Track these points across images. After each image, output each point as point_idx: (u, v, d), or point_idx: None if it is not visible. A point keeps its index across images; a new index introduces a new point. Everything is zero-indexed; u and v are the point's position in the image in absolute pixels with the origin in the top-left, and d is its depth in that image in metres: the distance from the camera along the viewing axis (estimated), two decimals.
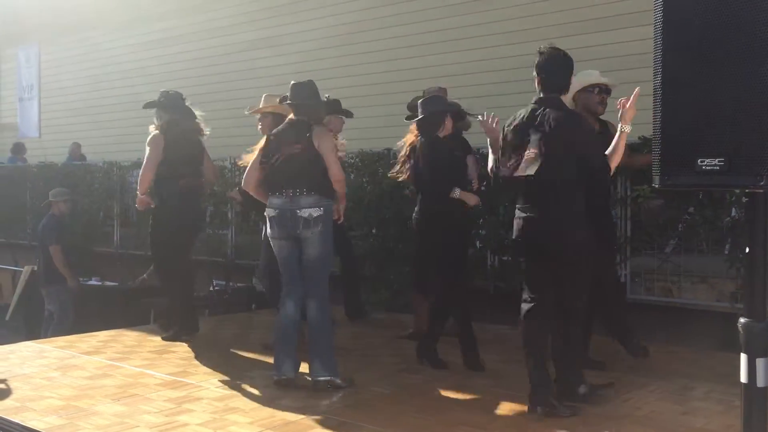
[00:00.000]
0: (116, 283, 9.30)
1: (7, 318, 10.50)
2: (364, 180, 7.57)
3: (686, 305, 5.76)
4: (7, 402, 4.13)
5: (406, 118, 5.31)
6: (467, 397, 4.23)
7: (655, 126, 2.74)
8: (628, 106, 3.77)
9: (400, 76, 9.53)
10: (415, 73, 9.08)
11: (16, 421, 3.77)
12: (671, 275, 5.90)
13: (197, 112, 5.91)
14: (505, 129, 3.99)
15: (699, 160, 2.61)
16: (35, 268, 10.14)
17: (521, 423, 3.76)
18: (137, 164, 10.41)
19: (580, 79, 4.75)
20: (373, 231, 7.50)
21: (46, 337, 7.24)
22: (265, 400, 4.15)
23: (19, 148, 14.56)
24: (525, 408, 3.88)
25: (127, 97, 12.53)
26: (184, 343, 5.61)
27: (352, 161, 7.69)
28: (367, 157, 7.62)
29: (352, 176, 7.70)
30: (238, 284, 8.15)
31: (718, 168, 2.58)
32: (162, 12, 13.69)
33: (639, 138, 5.84)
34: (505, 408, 4.00)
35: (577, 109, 4.74)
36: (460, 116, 5.11)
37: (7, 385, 4.48)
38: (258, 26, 11.98)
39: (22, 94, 17.27)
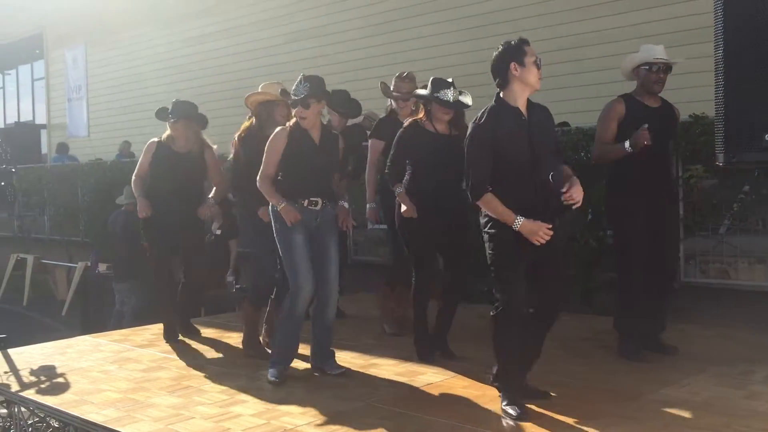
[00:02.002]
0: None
1: (63, 314, 10.79)
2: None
3: (743, 287, 5.61)
4: (67, 395, 4.23)
5: None
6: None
7: (717, 102, 2.65)
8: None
9: (443, 62, 9.45)
10: (455, 59, 9.01)
11: (76, 414, 3.85)
12: (727, 256, 5.74)
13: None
14: None
15: (767, 136, 2.50)
16: (89, 264, 10.39)
17: (570, 409, 3.70)
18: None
19: (642, 54, 4.64)
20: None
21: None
22: (317, 390, 4.17)
23: (62, 148, 14.93)
24: (574, 395, 3.83)
25: (172, 94, 12.68)
26: (236, 334, 5.66)
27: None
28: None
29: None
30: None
31: None
32: (206, 8, 13.82)
33: (690, 116, 5.70)
34: (553, 397, 3.94)
35: (636, 87, 4.69)
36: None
37: (65, 378, 4.59)
38: (302, 17, 12.00)
39: (70, 95, 17.67)
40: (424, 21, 10.29)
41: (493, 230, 3.64)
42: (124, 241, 8.42)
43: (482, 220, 3.73)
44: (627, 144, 4.43)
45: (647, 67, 4.58)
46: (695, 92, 5.75)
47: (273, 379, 4.33)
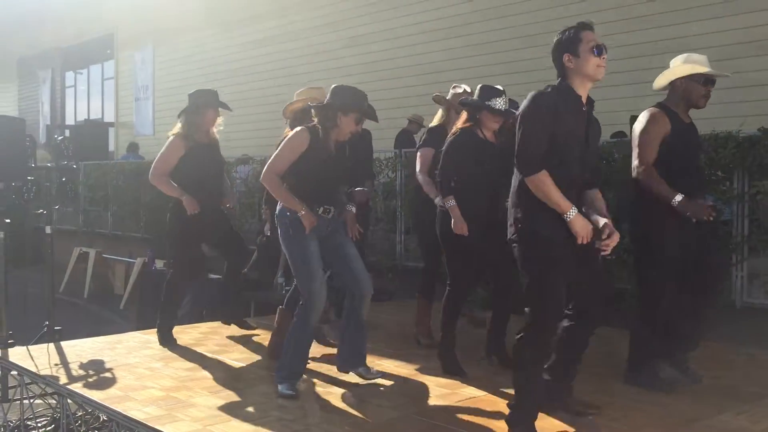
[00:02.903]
0: (219, 276, 9.52)
1: (121, 307, 11.04)
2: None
3: None
4: (112, 391, 4.27)
5: None
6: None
7: None
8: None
9: (502, 69, 9.33)
10: (516, 66, 8.87)
11: (119, 410, 3.89)
12: None
13: None
14: None
15: None
16: (146, 260, 10.60)
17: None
18: (242, 160, 10.74)
19: (687, 65, 4.24)
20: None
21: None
22: (358, 398, 4.11)
23: (133, 147, 15.33)
24: (623, 418, 3.68)
25: (235, 95, 12.88)
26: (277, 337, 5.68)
27: None
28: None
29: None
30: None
31: None
32: (267, 11, 14.00)
33: (759, 129, 5.46)
34: (604, 417, 3.79)
35: (674, 96, 4.26)
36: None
37: (113, 374, 4.65)
38: (370, 20, 12.02)
39: (138, 94, 18.14)
40: (486, 27, 10.18)
41: (538, 230, 3.29)
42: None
43: (517, 216, 3.38)
44: (677, 200, 4.01)
45: (696, 80, 4.18)
46: (761, 105, 5.51)
47: (290, 392, 4.10)
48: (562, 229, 3.27)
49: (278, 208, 4.28)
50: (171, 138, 5.40)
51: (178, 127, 5.41)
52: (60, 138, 6.30)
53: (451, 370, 4.58)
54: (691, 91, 4.22)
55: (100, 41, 19.50)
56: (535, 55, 9.01)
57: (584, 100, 3.43)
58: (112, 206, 12.90)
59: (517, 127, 3.38)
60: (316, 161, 4.16)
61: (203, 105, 5.38)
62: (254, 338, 5.69)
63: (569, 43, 3.38)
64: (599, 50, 3.34)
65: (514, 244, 3.42)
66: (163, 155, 5.39)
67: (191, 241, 5.45)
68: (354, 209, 4.59)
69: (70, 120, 21.75)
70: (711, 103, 4.37)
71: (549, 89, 3.39)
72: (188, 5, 15.80)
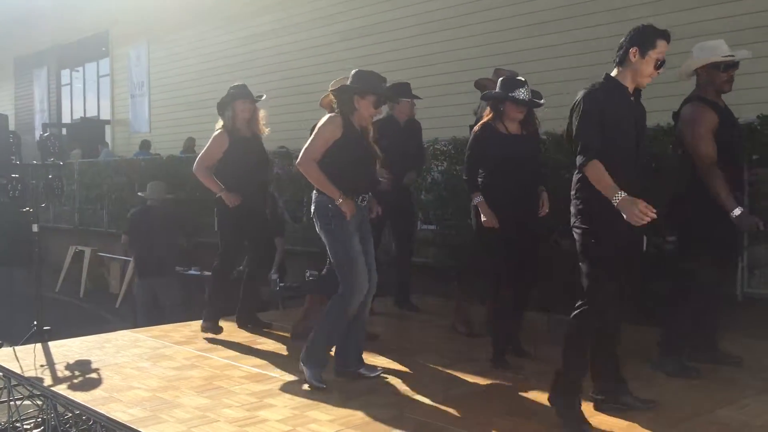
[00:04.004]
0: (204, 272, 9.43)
1: (116, 306, 10.94)
2: (458, 167, 7.31)
3: None
4: (97, 392, 4.17)
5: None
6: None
7: None
8: None
9: (498, 61, 9.18)
10: (513, 57, 8.73)
11: (102, 412, 3.79)
12: None
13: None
14: None
15: None
16: None
17: (620, 429, 3.44)
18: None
19: (706, 52, 4.28)
20: (469, 221, 7.25)
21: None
22: (347, 396, 4.00)
23: (145, 145, 15.21)
24: (624, 413, 3.58)
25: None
26: (276, 333, 5.60)
27: (445, 149, 7.47)
28: (460, 144, 7.35)
29: (445, 164, 7.49)
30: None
31: None
32: (263, 6, 13.85)
33: (758, 116, 5.34)
34: (604, 413, 3.68)
35: (703, 85, 4.33)
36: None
37: (99, 374, 4.55)
38: (358, 14, 11.89)
39: (133, 91, 18.00)
40: (485, 18, 10.03)
41: (598, 221, 3.40)
42: (168, 236, 8.43)
43: (579, 207, 3.49)
44: (737, 213, 4.03)
45: (717, 67, 4.24)
46: (763, 93, 5.38)
47: (319, 384, 4.11)
48: (620, 217, 3.31)
49: (315, 200, 4.22)
50: (216, 132, 5.58)
51: (220, 123, 5.61)
52: (46, 135, 6.16)
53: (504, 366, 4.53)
54: (713, 78, 4.28)
55: (95, 39, 19.36)
56: (536, 44, 8.93)
57: (631, 90, 3.55)
58: (107, 204, 12.80)
59: (572, 125, 3.52)
60: (351, 149, 4.14)
61: (230, 99, 5.56)
62: (243, 336, 5.59)
63: (643, 41, 3.47)
64: (661, 64, 3.49)
65: (576, 231, 3.51)
66: (208, 148, 5.59)
67: (236, 232, 5.63)
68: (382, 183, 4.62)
69: (66, 118, 21.64)
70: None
71: (595, 87, 3.52)
72: (182, 1, 15.66)
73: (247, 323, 5.82)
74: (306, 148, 4.17)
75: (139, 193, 8.90)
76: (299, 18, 13.12)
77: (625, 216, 3.25)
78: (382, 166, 4.70)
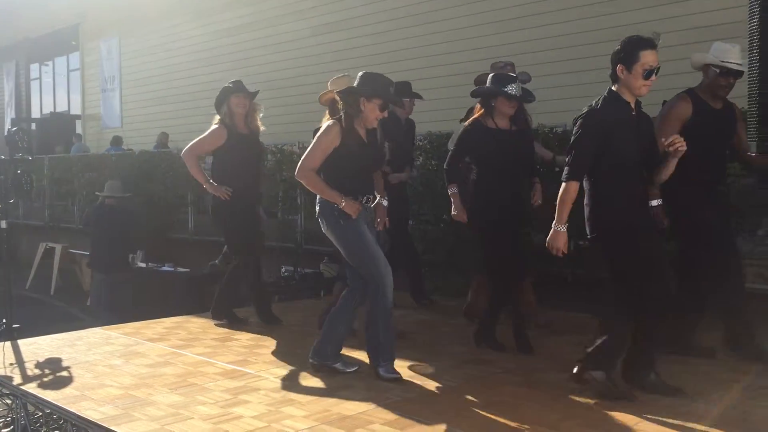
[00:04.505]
0: (188, 270, 9.37)
1: (88, 303, 10.78)
2: (434, 162, 7.31)
3: None
4: (67, 390, 4.11)
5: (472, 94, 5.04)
6: (538, 392, 3.94)
7: (752, 81, 2.36)
8: None
9: (469, 56, 9.20)
10: (484, 53, 8.74)
11: (73, 410, 3.73)
12: (764, 259, 5.42)
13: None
14: None
15: None
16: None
17: (595, 421, 3.46)
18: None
19: (714, 54, 4.32)
20: (445, 216, 7.26)
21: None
22: (323, 393, 3.98)
23: (117, 140, 15.01)
24: (600, 405, 3.61)
25: (204, 86, 12.64)
26: (250, 329, 5.57)
27: (421, 144, 7.46)
28: (436, 139, 7.36)
29: (421, 159, 7.48)
30: (307, 270, 8.05)
31: None
32: None
33: None
34: (580, 406, 3.70)
35: (702, 83, 4.41)
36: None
37: (70, 372, 4.49)
38: (331, 9, 11.84)
39: (104, 86, 17.76)
40: (456, 13, 10.03)
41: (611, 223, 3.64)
42: (120, 233, 8.51)
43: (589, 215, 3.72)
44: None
45: (717, 70, 4.29)
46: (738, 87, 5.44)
47: (394, 376, 4.13)
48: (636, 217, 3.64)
49: (319, 201, 4.24)
50: (215, 126, 5.62)
51: (217, 119, 5.66)
52: (14, 129, 6.05)
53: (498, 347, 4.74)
54: (712, 79, 4.34)
55: (65, 32, 19.07)
56: (504, 41, 8.95)
57: (633, 104, 3.68)
58: (78, 200, 12.63)
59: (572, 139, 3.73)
60: (352, 153, 4.13)
61: (225, 96, 5.60)
62: (217, 332, 5.54)
63: (626, 57, 3.59)
64: (649, 74, 3.57)
65: (595, 242, 3.75)
66: (203, 139, 5.65)
67: (239, 226, 5.62)
68: (385, 202, 4.50)
69: (36, 113, 21.31)
70: (682, 85, 4.47)
71: (599, 104, 3.67)
72: None
73: (222, 317, 5.79)
74: (304, 158, 4.20)
75: (97, 192, 8.89)
76: (272, 12, 13.04)
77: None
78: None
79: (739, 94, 4.51)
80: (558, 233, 3.65)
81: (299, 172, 4.19)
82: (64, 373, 4.47)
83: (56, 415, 3.97)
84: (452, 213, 4.77)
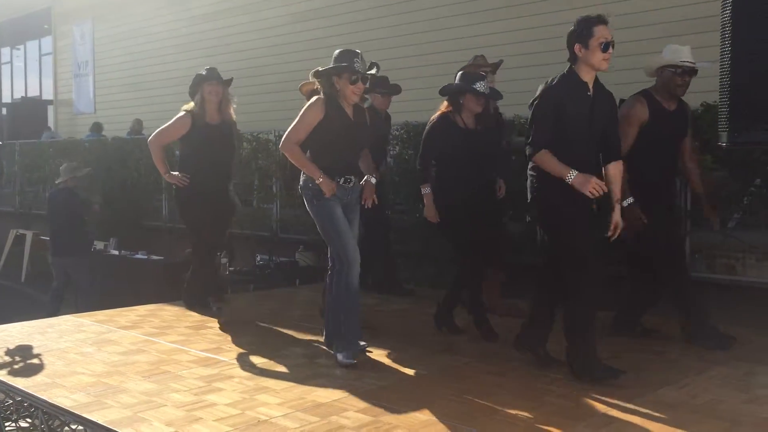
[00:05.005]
0: (162, 258, 9.30)
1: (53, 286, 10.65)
2: (410, 152, 7.31)
3: (751, 283, 5.39)
4: (38, 378, 4.06)
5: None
6: (511, 382, 3.98)
7: (723, 72, 2.38)
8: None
9: (450, 46, 9.20)
10: (461, 43, 8.75)
11: (43, 398, 3.69)
12: (735, 251, 5.51)
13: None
14: None
15: None
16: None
17: (567, 409, 3.50)
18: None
19: (668, 55, 4.47)
20: (421, 206, 7.27)
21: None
22: (297, 380, 3.98)
23: (97, 127, 14.78)
24: (571, 394, 3.65)
25: (179, 72, 12.49)
26: (224, 318, 5.54)
27: (397, 133, 7.47)
28: (412, 129, 7.36)
29: (397, 149, 7.48)
30: (282, 259, 8.03)
31: None
32: None
33: (702, 105, 5.46)
34: (552, 394, 3.74)
35: (657, 83, 4.53)
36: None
37: (41, 360, 4.43)
38: None
39: (77, 71, 17.50)
40: (438, 2, 10.01)
41: (559, 209, 3.79)
42: (66, 217, 8.53)
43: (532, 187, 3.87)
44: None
45: (673, 70, 4.42)
46: (709, 82, 5.49)
47: (351, 361, 4.15)
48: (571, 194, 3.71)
49: (302, 180, 4.30)
50: (181, 113, 5.51)
51: (191, 105, 5.54)
52: None
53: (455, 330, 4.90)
54: (668, 80, 4.47)
55: (37, 16, 18.74)
56: (486, 31, 8.96)
57: (590, 85, 3.79)
58: (50, 186, 12.44)
59: (529, 116, 3.88)
60: (334, 130, 4.17)
61: (197, 83, 5.50)
62: (191, 320, 5.52)
63: (581, 35, 3.73)
64: (606, 47, 3.69)
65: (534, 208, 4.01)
66: (167, 127, 5.56)
67: (199, 215, 5.52)
68: (374, 180, 4.55)
69: (6, 98, 20.95)
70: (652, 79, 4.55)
71: (554, 81, 3.79)
72: None
73: (195, 307, 5.77)
74: (289, 131, 4.25)
75: (56, 181, 8.86)
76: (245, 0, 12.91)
77: (581, 190, 3.62)
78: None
79: (711, 88, 4.60)
80: (578, 179, 3.66)
81: (283, 144, 4.26)
82: (35, 361, 4.42)
83: (27, 403, 3.92)
84: (425, 213, 4.84)
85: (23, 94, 20.27)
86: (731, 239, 5.52)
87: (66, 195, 8.64)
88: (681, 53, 4.46)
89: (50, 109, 18.69)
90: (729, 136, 2.31)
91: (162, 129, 5.58)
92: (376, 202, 4.55)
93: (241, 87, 11.28)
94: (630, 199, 4.33)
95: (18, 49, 21.01)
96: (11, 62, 21.20)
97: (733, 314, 5.24)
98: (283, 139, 4.27)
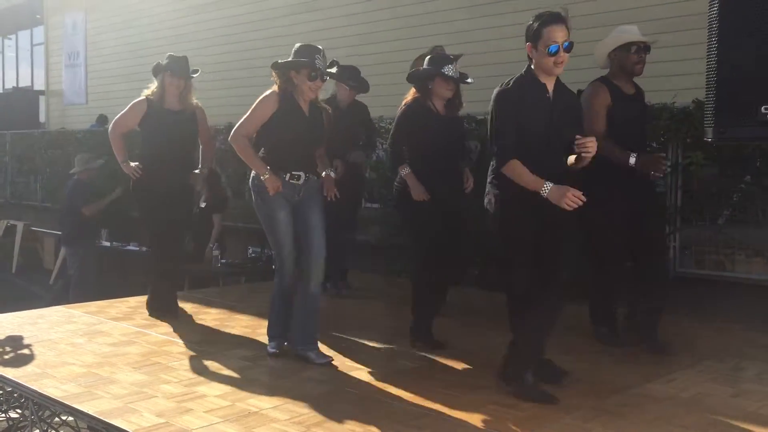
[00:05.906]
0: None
1: (50, 282, 10.64)
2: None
3: (739, 280, 5.42)
4: (29, 368, 4.07)
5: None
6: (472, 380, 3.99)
7: (709, 68, 2.39)
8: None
9: (441, 40, 9.17)
10: (455, 37, 8.75)
11: (34, 388, 3.70)
12: (724, 248, 5.55)
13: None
14: None
15: (763, 108, 2.21)
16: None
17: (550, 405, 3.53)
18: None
19: (615, 36, 4.41)
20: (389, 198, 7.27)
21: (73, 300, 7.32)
22: (287, 372, 4.00)
23: (102, 119, 14.70)
24: (554, 388, 3.68)
25: None
26: (215, 310, 5.54)
27: (389, 126, 7.44)
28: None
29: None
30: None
31: None
32: None
33: (693, 101, 5.48)
34: (540, 386, 3.76)
35: (612, 69, 4.45)
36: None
37: (31, 350, 4.43)
38: None
39: (68, 61, 17.40)
40: None
41: (507, 207, 3.52)
42: (67, 208, 8.59)
43: (491, 195, 3.59)
44: (633, 160, 4.17)
45: (627, 49, 4.33)
46: (699, 78, 5.53)
47: (273, 351, 4.32)
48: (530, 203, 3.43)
49: (251, 175, 4.23)
50: (139, 98, 5.30)
51: (153, 87, 5.29)
52: None
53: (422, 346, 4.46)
54: (624, 61, 4.38)
55: (28, 5, 18.60)
56: (476, 26, 8.95)
57: (551, 84, 3.50)
58: (42, 177, 12.41)
59: (489, 123, 3.55)
60: (287, 124, 4.10)
61: (159, 71, 5.26)
62: (183, 312, 5.52)
63: (532, 35, 3.45)
64: (554, 49, 3.37)
65: (488, 210, 3.64)
66: (124, 114, 5.34)
67: (156, 209, 5.21)
68: (333, 173, 4.49)
69: None
70: (644, 75, 4.47)
71: (511, 83, 3.49)
72: None
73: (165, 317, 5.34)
74: (239, 124, 4.17)
75: (71, 171, 8.81)
76: None
77: (558, 204, 3.32)
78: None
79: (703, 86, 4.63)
80: (548, 194, 3.35)
81: (232, 136, 4.17)
82: (26, 351, 4.42)
83: (17, 393, 3.93)
84: (413, 194, 4.42)
85: (14, 84, 20.15)
86: (721, 236, 5.56)
87: (72, 185, 8.61)
88: (632, 32, 4.39)
89: (41, 99, 18.60)
90: (714, 132, 2.31)
91: (118, 116, 5.34)
92: (338, 196, 4.47)
93: (236, 78, 11.34)
94: (634, 155, 4.19)
95: (10, 38, 20.90)
96: (2, 52, 21.10)
97: (721, 310, 5.29)
98: (232, 131, 4.15)
